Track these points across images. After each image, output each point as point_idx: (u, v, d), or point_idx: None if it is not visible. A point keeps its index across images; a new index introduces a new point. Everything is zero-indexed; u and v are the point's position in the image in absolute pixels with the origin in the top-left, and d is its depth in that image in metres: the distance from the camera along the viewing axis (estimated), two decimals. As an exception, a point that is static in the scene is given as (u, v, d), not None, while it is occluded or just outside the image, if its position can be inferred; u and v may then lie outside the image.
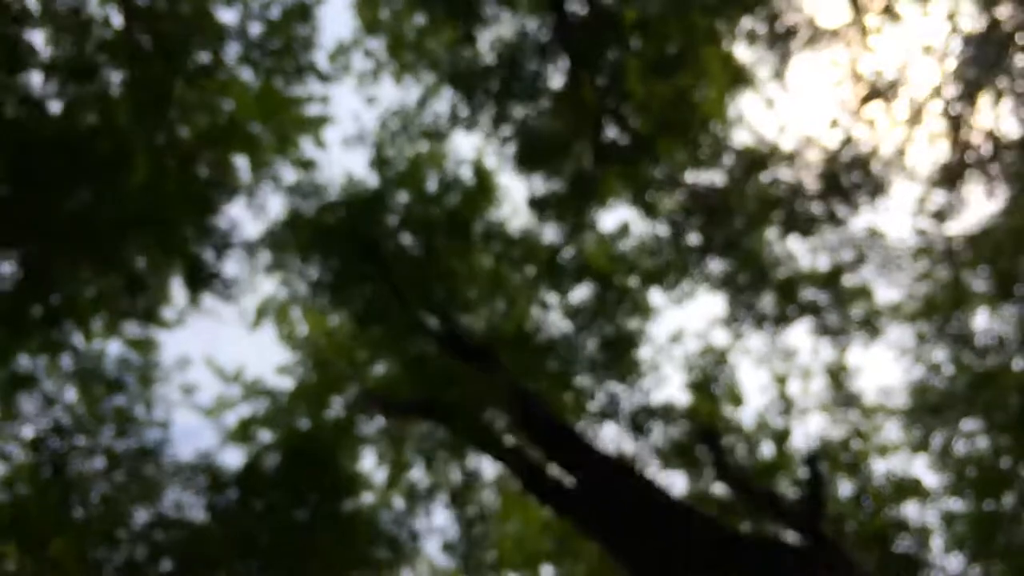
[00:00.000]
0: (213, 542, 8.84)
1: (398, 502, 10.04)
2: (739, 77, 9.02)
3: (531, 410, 7.72)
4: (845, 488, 11.02)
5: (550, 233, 11.23)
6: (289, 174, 9.89)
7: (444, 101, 10.29)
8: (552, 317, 11.49)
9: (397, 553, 8.99)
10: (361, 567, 8.62)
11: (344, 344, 11.42)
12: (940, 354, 12.21)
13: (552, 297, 11.43)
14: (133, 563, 8.83)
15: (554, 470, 7.92)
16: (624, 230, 11.39)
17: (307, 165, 9.56)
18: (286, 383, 11.88)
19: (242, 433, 10.66)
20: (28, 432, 9.38)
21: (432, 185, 9.75)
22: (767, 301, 11.06)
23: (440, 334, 8.56)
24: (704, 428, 11.32)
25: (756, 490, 9.40)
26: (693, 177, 9.58)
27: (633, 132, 9.03)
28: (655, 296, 11.77)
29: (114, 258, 6.97)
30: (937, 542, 10.76)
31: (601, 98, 8.78)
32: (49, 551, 8.54)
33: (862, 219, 11.58)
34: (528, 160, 9.76)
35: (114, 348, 10.50)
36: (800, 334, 13.49)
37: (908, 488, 10.66)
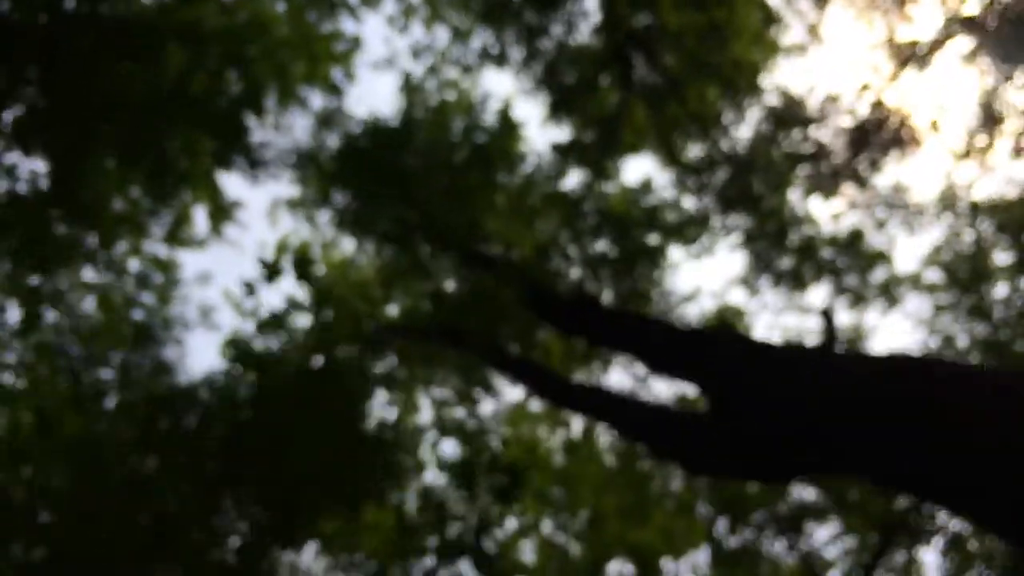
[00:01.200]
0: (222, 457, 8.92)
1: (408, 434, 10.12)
2: (772, 20, 8.96)
3: (552, 302, 7.74)
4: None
5: (573, 179, 11.23)
6: (317, 101, 9.93)
7: (475, 39, 10.29)
8: (571, 269, 11.50)
9: (397, 474, 9.08)
10: (363, 483, 8.69)
11: (362, 283, 11.49)
12: (956, 326, 12.16)
13: (571, 247, 11.43)
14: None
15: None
16: (647, 185, 11.36)
17: (335, 90, 9.60)
18: (302, 321, 11.98)
19: (252, 361, 10.73)
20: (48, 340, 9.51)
21: (459, 121, 9.75)
22: (786, 260, 11.03)
23: (460, 252, 8.59)
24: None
25: None
26: (721, 126, 9.54)
27: (664, 70, 8.99)
28: (674, 251, 11.76)
29: (145, 137, 7.03)
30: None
31: (634, 32, 8.75)
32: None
33: (886, 181, 11.56)
34: (556, 98, 9.74)
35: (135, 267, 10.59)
36: (818, 297, 13.40)
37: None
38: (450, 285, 9.47)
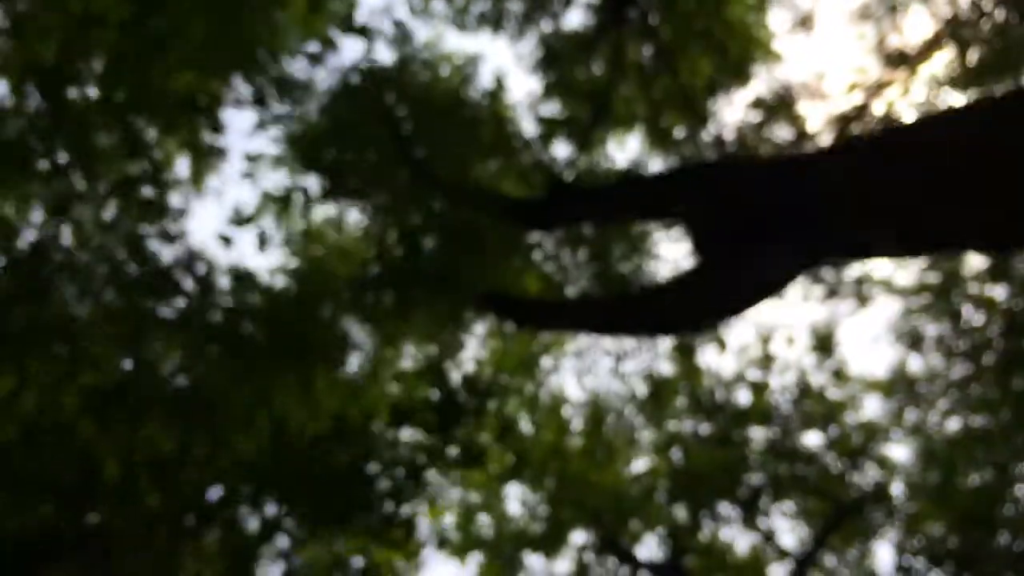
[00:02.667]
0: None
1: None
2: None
3: (531, 204, 7.78)
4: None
5: (559, 151, 11.32)
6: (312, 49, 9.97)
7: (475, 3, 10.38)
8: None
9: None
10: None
11: (344, 246, 11.52)
12: (926, 330, 12.34)
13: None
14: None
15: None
16: (635, 165, 11.47)
17: (331, 45, 9.64)
18: (281, 282, 11.98)
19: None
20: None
21: (451, 75, 9.82)
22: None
23: (445, 188, 8.60)
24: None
25: None
26: (711, 101, 9.66)
27: (657, 41, 9.11)
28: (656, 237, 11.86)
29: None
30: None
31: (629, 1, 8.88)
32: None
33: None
34: (547, 67, 9.85)
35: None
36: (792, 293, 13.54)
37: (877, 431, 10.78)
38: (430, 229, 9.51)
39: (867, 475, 10.45)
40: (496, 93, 10.54)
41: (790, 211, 4.72)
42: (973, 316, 12.09)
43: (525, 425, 10.47)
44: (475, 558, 12.52)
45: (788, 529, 10.13)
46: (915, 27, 11.67)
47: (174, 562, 6.48)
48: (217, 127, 9.35)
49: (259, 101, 9.11)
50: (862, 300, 12.36)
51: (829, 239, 4.62)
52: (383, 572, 7.67)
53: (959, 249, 4.37)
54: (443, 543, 11.69)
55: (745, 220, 4.96)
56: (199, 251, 7.69)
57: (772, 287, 5.20)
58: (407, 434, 8.34)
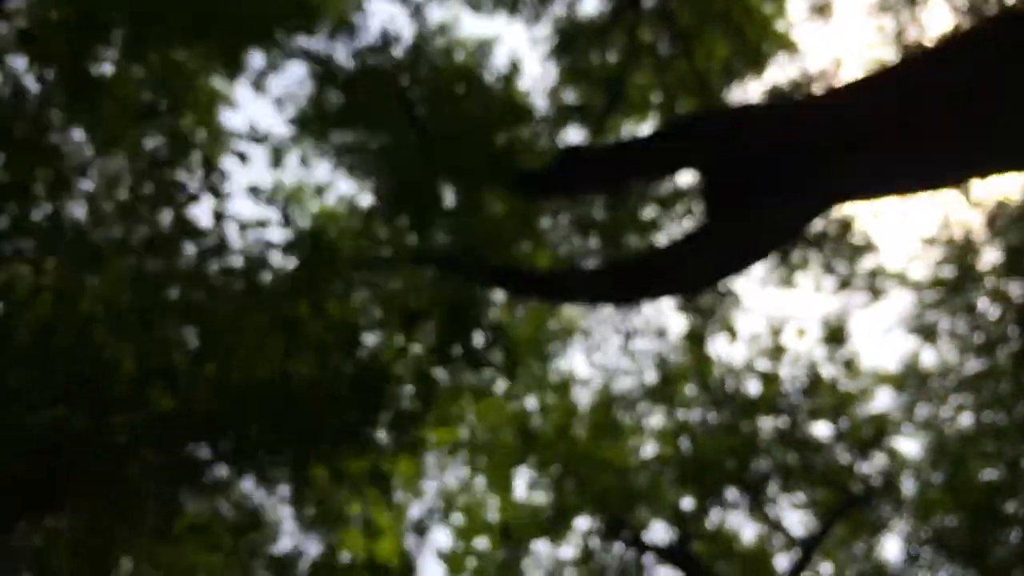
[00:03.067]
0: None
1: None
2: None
3: (540, 175, 7.78)
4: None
5: (573, 137, 11.30)
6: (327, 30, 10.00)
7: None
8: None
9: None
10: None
11: (354, 229, 11.56)
12: (940, 324, 12.24)
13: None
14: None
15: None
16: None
17: (349, 26, 9.67)
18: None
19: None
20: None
21: (466, 57, 9.83)
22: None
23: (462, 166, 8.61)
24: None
25: None
26: (726, 86, 9.62)
27: (674, 26, 9.08)
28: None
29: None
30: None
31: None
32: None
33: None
34: (562, 53, 9.84)
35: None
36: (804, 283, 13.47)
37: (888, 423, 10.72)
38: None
39: (876, 466, 10.40)
40: (511, 76, 10.54)
41: (801, 153, 4.69)
42: (988, 310, 11.99)
43: (532, 403, 10.51)
44: (481, 543, 12.56)
45: (795, 518, 10.11)
46: (934, 18, 11.58)
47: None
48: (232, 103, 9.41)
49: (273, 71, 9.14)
50: (875, 293, 12.28)
51: (843, 178, 4.59)
52: (389, 484, 7.63)
53: (978, 175, 4.33)
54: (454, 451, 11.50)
55: (756, 165, 4.94)
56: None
57: (787, 233, 5.18)
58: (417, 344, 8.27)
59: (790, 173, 4.76)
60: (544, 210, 9.40)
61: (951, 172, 4.25)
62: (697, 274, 5.39)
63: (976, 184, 4.52)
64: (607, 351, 12.11)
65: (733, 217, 5.04)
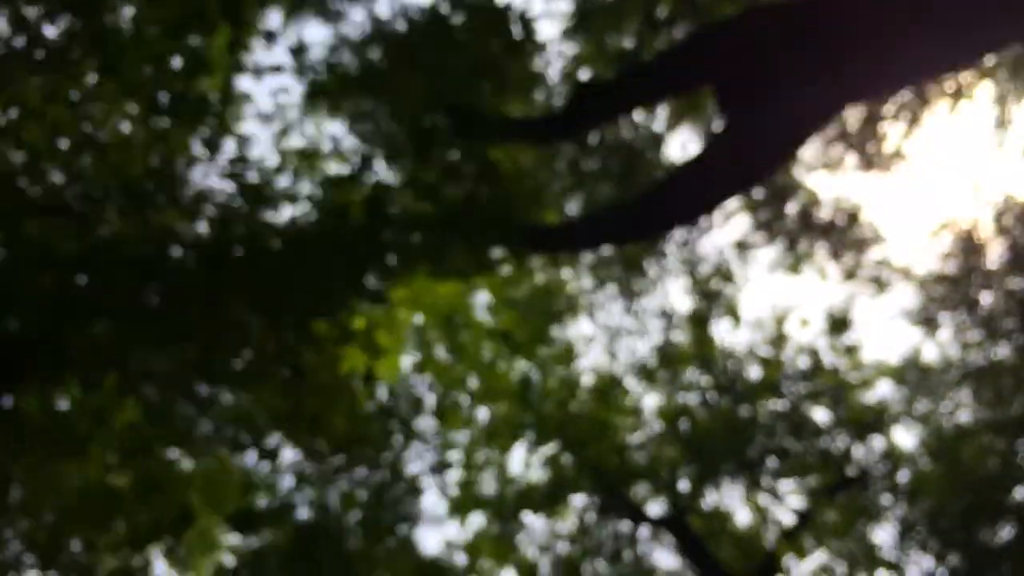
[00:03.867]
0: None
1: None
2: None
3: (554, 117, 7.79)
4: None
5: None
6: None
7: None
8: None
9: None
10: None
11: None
12: (942, 319, 12.27)
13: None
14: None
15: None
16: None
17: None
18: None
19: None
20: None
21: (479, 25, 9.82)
22: (787, 219, 11.15)
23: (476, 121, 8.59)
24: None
25: None
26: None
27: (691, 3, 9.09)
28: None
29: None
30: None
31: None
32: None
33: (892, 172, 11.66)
34: (579, 27, 9.84)
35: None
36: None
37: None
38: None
39: (873, 451, 10.44)
40: (525, 43, 10.53)
41: (815, 48, 4.72)
42: (992, 305, 12.01)
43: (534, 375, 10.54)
44: (476, 518, 12.60)
45: (789, 499, 10.16)
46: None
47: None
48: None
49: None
50: (880, 285, 12.31)
51: (856, 72, 4.61)
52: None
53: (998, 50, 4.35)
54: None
55: (767, 66, 4.97)
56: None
57: (803, 129, 5.19)
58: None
59: (800, 66, 4.79)
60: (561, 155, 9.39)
61: (963, 52, 4.27)
62: (718, 182, 5.40)
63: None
64: (612, 326, 12.15)
65: (747, 112, 5.06)
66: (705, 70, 5.61)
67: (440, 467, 11.89)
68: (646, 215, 6.08)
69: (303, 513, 10.14)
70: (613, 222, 6.40)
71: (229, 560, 10.10)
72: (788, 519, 10.39)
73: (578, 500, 10.99)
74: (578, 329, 11.44)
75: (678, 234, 11.06)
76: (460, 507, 12.36)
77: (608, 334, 11.45)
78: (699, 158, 5.61)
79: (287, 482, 10.00)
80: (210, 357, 6.83)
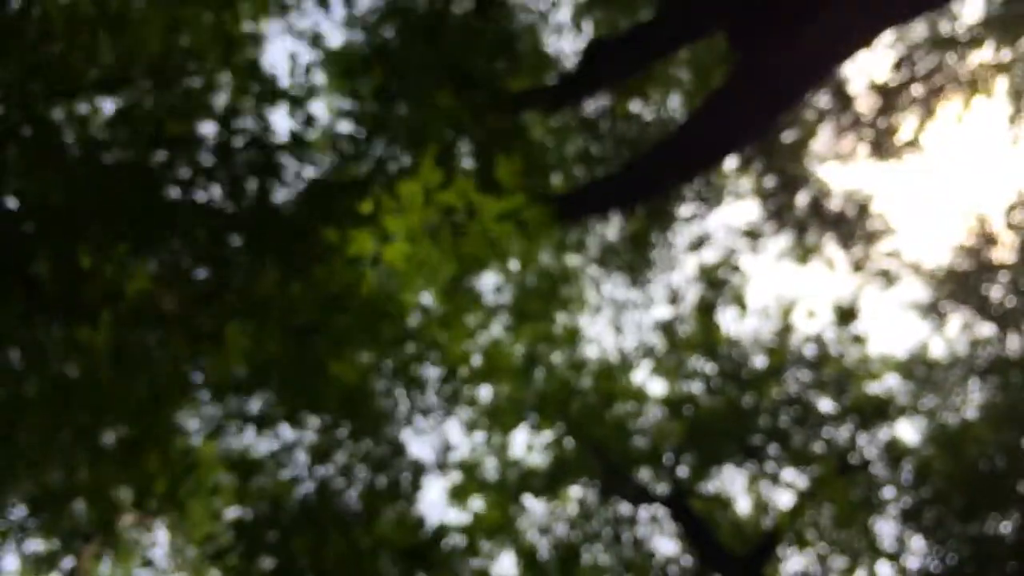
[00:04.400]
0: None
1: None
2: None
3: (567, 79, 7.78)
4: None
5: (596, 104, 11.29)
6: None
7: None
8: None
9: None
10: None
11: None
12: (950, 315, 12.22)
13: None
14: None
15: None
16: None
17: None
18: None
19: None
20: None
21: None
22: (796, 208, 11.11)
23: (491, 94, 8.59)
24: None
25: None
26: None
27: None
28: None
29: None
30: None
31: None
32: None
33: (904, 163, 11.62)
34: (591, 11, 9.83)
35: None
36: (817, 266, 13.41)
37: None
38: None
39: (877, 441, 10.39)
40: (539, 26, 10.53)
41: None
42: (1001, 301, 11.95)
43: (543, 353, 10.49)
44: (478, 501, 12.60)
45: (790, 487, 10.12)
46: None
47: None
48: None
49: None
50: (888, 278, 12.26)
51: (856, 6, 4.58)
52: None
53: None
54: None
55: (776, 5, 4.94)
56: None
57: (820, 72, 5.17)
58: None
59: (812, 8, 4.77)
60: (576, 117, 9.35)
61: None
62: (735, 124, 5.38)
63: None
64: (618, 309, 12.14)
65: (760, 53, 5.04)
66: (716, 15, 5.59)
67: (444, 447, 11.90)
68: (667, 158, 6.07)
69: (306, 487, 10.15)
70: (635, 171, 6.38)
71: (228, 532, 10.13)
72: (788, 506, 10.36)
73: (579, 484, 10.98)
74: (584, 313, 11.42)
75: (686, 210, 11.04)
76: (462, 491, 12.38)
77: (614, 318, 11.43)
78: (715, 100, 5.59)
79: (287, 457, 10.02)
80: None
